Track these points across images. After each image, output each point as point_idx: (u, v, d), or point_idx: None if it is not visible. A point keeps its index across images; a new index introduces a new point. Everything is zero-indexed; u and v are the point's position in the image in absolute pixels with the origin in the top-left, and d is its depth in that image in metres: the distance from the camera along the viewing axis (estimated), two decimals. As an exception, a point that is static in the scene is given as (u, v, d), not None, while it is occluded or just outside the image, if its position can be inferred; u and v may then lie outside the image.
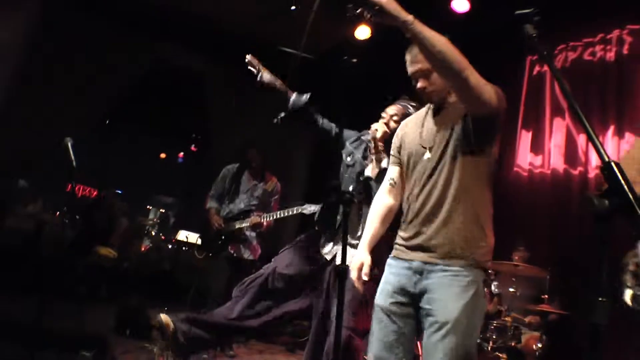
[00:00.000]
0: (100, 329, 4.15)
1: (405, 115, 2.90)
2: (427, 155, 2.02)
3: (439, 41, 1.72)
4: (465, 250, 1.90)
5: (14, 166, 5.97)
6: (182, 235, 7.29)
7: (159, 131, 10.53)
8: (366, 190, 2.89)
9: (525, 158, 5.36)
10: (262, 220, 4.19)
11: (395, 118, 2.99)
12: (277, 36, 6.49)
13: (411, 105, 3.03)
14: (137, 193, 10.69)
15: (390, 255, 2.10)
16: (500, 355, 3.95)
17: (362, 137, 3.15)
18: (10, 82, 5.70)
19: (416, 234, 1.98)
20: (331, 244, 3.00)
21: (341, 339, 2.01)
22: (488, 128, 1.92)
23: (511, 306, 4.19)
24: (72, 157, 3.13)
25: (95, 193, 10.56)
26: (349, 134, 3.20)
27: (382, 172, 2.74)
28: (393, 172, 2.21)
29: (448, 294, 1.86)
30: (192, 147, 11.26)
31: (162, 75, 7.58)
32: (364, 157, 3.01)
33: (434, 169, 1.99)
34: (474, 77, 1.75)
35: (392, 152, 2.25)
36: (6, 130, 5.63)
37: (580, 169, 4.77)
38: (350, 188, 2.94)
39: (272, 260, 3.15)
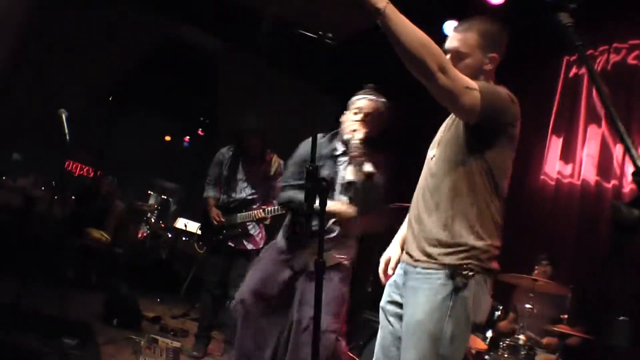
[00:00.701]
0: (86, 316, 4.15)
1: (377, 114, 2.97)
2: (432, 152, 2.02)
3: (408, 36, 1.64)
4: (446, 253, 1.85)
5: (9, 138, 5.99)
6: (181, 223, 7.27)
7: (165, 112, 10.49)
8: (349, 193, 2.92)
9: (553, 166, 5.24)
10: (266, 216, 4.08)
11: (369, 119, 2.98)
12: (296, 18, 6.47)
13: (381, 101, 3.03)
14: (138, 176, 10.71)
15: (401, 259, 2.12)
16: (512, 377, 3.87)
17: (334, 143, 3.13)
18: (10, 51, 5.71)
19: (410, 236, 2.01)
20: (303, 254, 3.04)
21: (321, 342, 2.07)
22: (478, 135, 1.86)
23: (527, 324, 4.10)
24: (66, 131, 3.08)
25: (93, 173, 10.61)
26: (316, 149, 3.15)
27: (368, 176, 2.73)
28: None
29: (416, 297, 1.87)
30: (199, 131, 11.23)
31: (171, 54, 7.58)
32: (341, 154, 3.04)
33: (434, 169, 1.97)
34: (449, 81, 1.68)
35: None
36: (3, 100, 5.64)
37: (614, 182, 4.64)
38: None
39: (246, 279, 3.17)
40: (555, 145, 5.30)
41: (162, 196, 11.99)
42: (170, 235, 8.40)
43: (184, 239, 7.65)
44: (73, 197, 6.06)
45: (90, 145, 9.16)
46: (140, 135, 10.63)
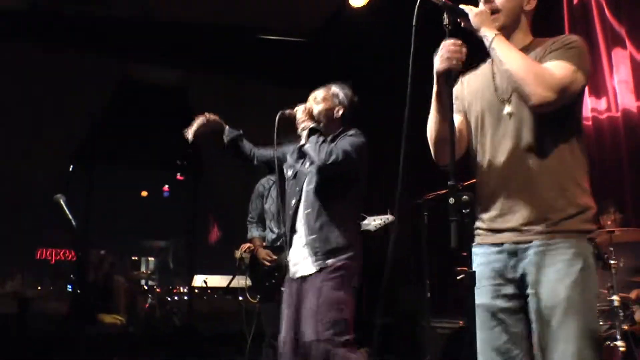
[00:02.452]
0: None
1: (328, 96, 3.38)
2: (507, 109, 2.06)
3: (509, 62, 1.94)
4: (562, 220, 1.94)
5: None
6: (199, 280, 7.24)
7: (135, 165, 10.46)
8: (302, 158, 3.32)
9: (584, 105, 5.30)
10: None
11: (317, 99, 3.37)
12: (256, 24, 6.51)
13: (335, 85, 3.43)
14: (121, 244, 10.65)
15: (473, 244, 2.14)
16: (616, 344, 3.87)
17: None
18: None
19: (502, 211, 2.03)
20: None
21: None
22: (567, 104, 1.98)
23: (615, 283, 4.11)
24: (70, 216, 3.13)
25: (71, 255, 10.51)
26: (289, 148, 3.55)
27: (308, 134, 3.21)
28: (456, 120, 2.22)
29: (551, 274, 1.90)
30: (178, 176, 11.20)
31: (129, 98, 7.55)
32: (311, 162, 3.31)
33: (518, 127, 2.02)
34: (541, 96, 1.89)
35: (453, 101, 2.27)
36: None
37: (658, 101, 4.71)
38: (293, 202, 3.30)
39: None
40: (580, 81, 5.36)
41: (150, 258, 11.94)
42: (177, 299, 8.35)
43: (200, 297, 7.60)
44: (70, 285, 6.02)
45: (61, 224, 9.09)
46: (113, 198, 10.59)
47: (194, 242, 10.79)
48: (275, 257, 4.28)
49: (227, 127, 3.71)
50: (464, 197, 1.78)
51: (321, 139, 3.19)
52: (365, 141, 3.27)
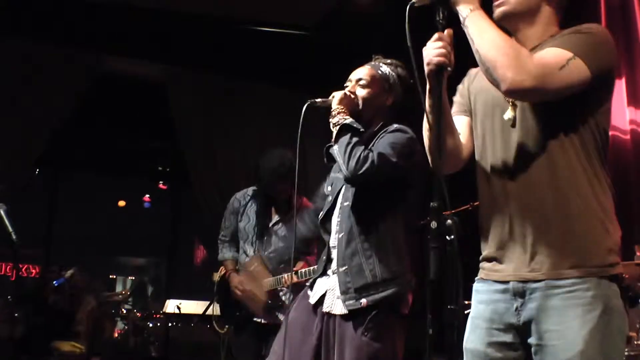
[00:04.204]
0: None
1: (376, 77, 3.07)
2: (509, 113, 2.00)
3: (480, 41, 1.88)
4: (581, 255, 1.86)
5: None
6: (172, 305, 7.24)
7: (112, 171, 10.52)
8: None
9: (622, 116, 5.25)
10: (300, 279, 3.99)
11: (362, 82, 3.05)
12: (253, 15, 6.54)
13: (385, 63, 3.13)
14: (94, 260, 10.69)
15: (476, 278, 2.08)
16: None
17: None
18: None
19: (506, 243, 1.96)
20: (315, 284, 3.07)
21: None
22: (589, 95, 1.91)
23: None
24: (10, 228, 3.13)
25: (35, 271, 10.52)
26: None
27: (338, 132, 2.86)
28: (459, 122, 2.20)
29: (564, 320, 1.82)
30: (161, 185, 11.26)
31: (108, 95, 7.58)
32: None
33: (523, 137, 1.96)
34: (513, 80, 1.82)
35: (455, 98, 2.26)
36: None
37: None
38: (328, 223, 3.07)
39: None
40: (617, 90, 5.33)
41: (130, 277, 11.98)
42: (152, 325, 8.34)
43: (176, 324, 7.58)
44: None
45: (26, 236, 9.12)
46: (86, 208, 10.64)
47: (176, 261, 10.83)
48: (248, 287, 4.24)
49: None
50: (448, 221, 1.76)
51: (354, 139, 2.87)
52: (412, 137, 2.95)
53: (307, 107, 2.99)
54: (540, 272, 1.88)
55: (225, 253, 4.51)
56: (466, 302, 2.34)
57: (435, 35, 1.93)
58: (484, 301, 2.01)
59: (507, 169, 1.98)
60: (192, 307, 6.79)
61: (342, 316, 2.88)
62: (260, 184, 4.38)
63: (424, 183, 2.96)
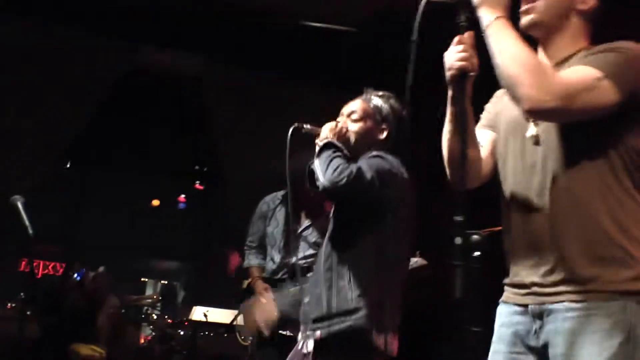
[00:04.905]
0: None
1: (368, 110, 3.13)
2: (532, 130, 2.00)
3: (502, 53, 1.86)
4: (604, 280, 1.84)
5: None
6: (199, 313, 7.28)
7: (146, 169, 10.65)
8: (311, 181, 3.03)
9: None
10: None
11: (355, 116, 3.11)
12: (297, 8, 6.54)
13: (377, 96, 3.17)
14: (124, 261, 10.81)
15: (500, 301, 2.10)
16: None
17: None
18: None
19: (526, 263, 1.98)
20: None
21: None
22: (620, 116, 1.88)
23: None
24: (27, 222, 3.19)
25: (62, 269, 10.69)
26: None
27: (320, 150, 2.91)
28: (480, 135, 2.21)
29: (579, 346, 1.81)
30: (197, 185, 11.35)
31: (142, 88, 7.69)
32: None
33: (545, 156, 1.96)
34: (535, 100, 1.80)
35: (483, 114, 2.29)
36: None
37: None
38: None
39: None
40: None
41: (162, 281, 12.07)
42: (182, 333, 8.41)
43: (205, 333, 7.62)
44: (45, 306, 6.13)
45: (52, 233, 9.32)
46: (117, 206, 10.78)
47: (207, 266, 10.85)
48: (272, 298, 4.25)
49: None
50: (474, 236, 1.75)
51: (336, 154, 2.91)
52: (392, 165, 2.97)
53: (292, 130, 3.07)
54: (559, 294, 1.88)
55: (252, 260, 4.54)
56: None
57: (456, 39, 1.94)
58: (506, 324, 2.03)
59: (528, 191, 1.98)
60: (220, 315, 6.81)
61: (310, 354, 2.87)
62: (290, 186, 4.40)
63: (413, 216, 3.03)
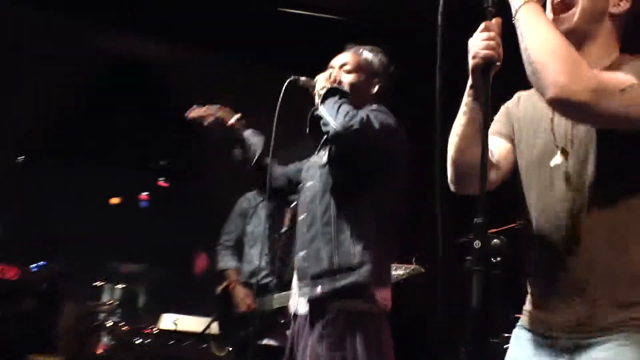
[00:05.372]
0: None
1: (360, 63, 3.27)
2: (557, 159, 2.00)
3: (531, 37, 1.85)
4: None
5: None
6: (168, 321, 7.21)
7: (105, 164, 10.56)
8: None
9: None
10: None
11: (347, 67, 3.27)
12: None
13: (367, 50, 3.35)
14: (79, 264, 10.68)
15: (518, 324, 2.12)
16: None
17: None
18: None
19: (556, 290, 1.97)
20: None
21: None
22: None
23: None
24: None
25: (14, 272, 10.54)
26: (304, 164, 3.48)
27: (325, 94, 3.06)
28: (494, 143, 2.24)
29: None
30: (161, 182, 11.24)
31: (100, 76, 7.61)
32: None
33: (573, 189, 1.98)
34: (563, 87, 1.77)
35: (496, 117, 2.32)
36: None
37: None
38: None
39: None
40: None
41: (120, 285, 11.92)
42: (146, 342, 8.32)
43: (175, 342, 7.55)
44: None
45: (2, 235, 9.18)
46: (72, 204, 10.63)
47: (174, 270, 10.79)
48: (254, 305, 4.21)
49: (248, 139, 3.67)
50: (495, 240, 1.76)
51: (342, 100, 3.02)
52: (395, 124, 3.10)
53: (288, 83, 3.26)
54: (594, 329, 1.87)
55: (228, 261, 4.48)
56: (507, 335, 2.36)
57: (482, 25, 1.94)
58: (526, 351, 2.03)
59: (558, 222, 1.99)
60: (191, 323, 6.75)
61: (306, 316, 3.02)
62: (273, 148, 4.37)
63: (410, 174, 3.18)
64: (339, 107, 2.93)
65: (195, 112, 3.29)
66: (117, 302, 9.66)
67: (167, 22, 6.62)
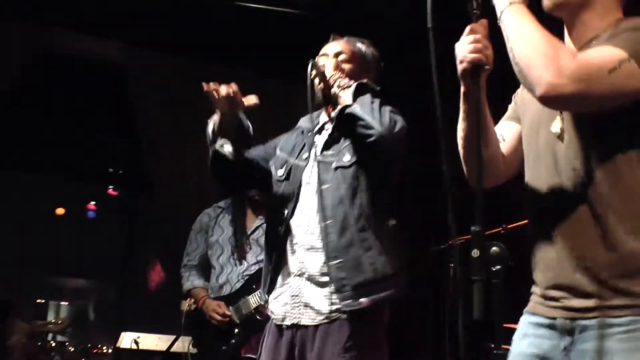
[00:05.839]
0: None
1: (355, 53, 3.25)
2: (556, 125, 2.05)
3: (515, 38, 1.91)
4: None
5: None
6: (128, 339, 7.17)
7: (51, 171, 10.45)
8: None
9: None
10: None
11: (343, 56, 3.22)
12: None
13: (359, 40, 3.32)
14: (21, 280, 10.57)
15: (524, 310, 2.16)
16: None
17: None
18: None
19: (554, 270, 2.02)
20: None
21: None
22: (631, 111, 1.92)
23: None
24: None
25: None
26: (280, 140, 3.42)
27: (358, 90, 3.01)
28: (504, 127, 2.32)
29: None
30: (111, 190, 11.17)
31: (45, 75, 7.54)
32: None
33: (570, 155, 2.00)
34: (547, 83, 1.83)
35: (510, 105, 2.38)
36: None
37: None
38: (285, 212, 3.13)
39: None
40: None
41: (62, 303, 11.80)
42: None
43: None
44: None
45: None
46: (14, 214, 10.51)
47: (128, 284, 10.70)
48: (228, 312, 4.25)
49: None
50: (494, 248, 1.78)
51: (378, 99, 2.99)
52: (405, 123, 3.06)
53: (312, 66, 3.08)
54: (592, 307, 1.91)
55: (194, 280, 4.50)
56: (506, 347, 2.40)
57: (468, 28, 1.99)
58: (527, 335, 2.08)
59: (554, 191, 2.03)
60: (154, 342, 6.71)
61: (316, 327, 2.93)
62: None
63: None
64: (379, 107, 2.92)
65: (213, 85, 3.14)
66: (67, 321, 9.58)
67: (117, 20, 6.57)
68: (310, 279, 3.00)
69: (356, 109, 2.95)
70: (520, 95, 2.30)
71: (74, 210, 11.75)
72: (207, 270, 4.54)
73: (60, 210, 11.75)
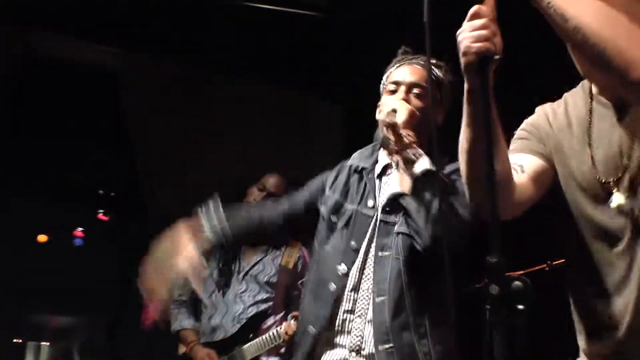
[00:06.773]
0: None
1: (432, 84, 3.04)
2: (617, 198, 2.04)
3: (579, 14, 1.80)
4: None
5: None
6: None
7: (30, 193, 10.52)
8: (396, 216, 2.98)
9: None
10: (279, 342, 4.09)
11: (418, 91, 3.08)
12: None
13: (437, 66, 3.16)
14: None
15: None
16: None
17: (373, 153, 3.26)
18: None
19: (620, 342, 2.05)
20: None
21: None
22: None
23: None
24: None
25: None
26: (330, 176, 3.37)
27: (419, 180, 2.81)
28: (526, 160, 2.24)
29: None
30: (100, 215, 11.25)
31: (29, 83, 7.62)
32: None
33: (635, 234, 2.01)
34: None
35: (522, 133, 2.34)
36: None
37: None
38: (341, 268, 3.04)
39: None
40: None
41: (42, 343, 11.84)
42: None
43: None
44: None
45: None
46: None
47: (119, 323, 10.73)
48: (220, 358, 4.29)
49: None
50: (516, 283, 1.70)
51: (435, 201, 2.76)
52: None
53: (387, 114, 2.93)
54: None
55: (183, 320, 4.52)
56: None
57: (472, 11, 1.87)
58: None
59: (621, 279, 2.07)
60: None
61: None
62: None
63: None
64: (434, 215, 2.74)
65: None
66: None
67: (112, 26, 6.63)
68: (357, 352, 2.97)
69: (410, 206, 2.86)
70: (542, 124, 2.28)
71: (58, 238, 11.78)
72: (197, 307, 4.57)
73: (42, 238, 11.78)
